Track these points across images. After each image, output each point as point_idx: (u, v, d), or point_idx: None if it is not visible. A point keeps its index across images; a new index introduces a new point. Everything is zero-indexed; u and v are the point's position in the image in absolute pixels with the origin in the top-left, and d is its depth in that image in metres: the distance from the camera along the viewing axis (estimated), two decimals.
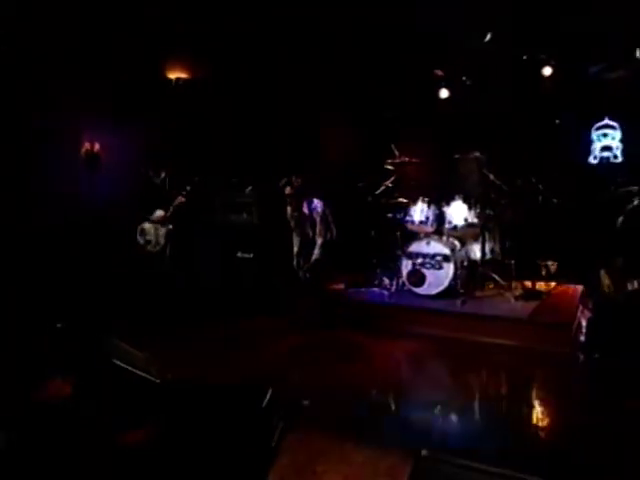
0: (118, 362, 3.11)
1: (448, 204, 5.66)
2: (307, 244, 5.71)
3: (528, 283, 5.61)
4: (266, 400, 2.98)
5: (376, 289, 5.92)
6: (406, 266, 5.59)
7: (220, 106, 7.43)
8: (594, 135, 6.56)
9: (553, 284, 6.02)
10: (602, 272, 4.06)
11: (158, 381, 3.23)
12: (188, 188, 5.97)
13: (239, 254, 6.35)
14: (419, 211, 5.70)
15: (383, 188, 5.87)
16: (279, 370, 4.10)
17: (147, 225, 5.95)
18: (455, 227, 5.58)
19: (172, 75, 7.59)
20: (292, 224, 5.80)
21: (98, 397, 3.05)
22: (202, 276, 6.21)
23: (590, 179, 6.42)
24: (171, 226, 5.97)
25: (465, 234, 5.71)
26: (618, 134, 6.44)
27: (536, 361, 4.42)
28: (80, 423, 2.90)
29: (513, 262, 5.71)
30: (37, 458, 2.66)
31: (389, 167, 6.04)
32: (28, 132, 5.46)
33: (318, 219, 5.59)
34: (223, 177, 6.62)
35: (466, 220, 5.54)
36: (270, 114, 7.41)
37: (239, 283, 6.11)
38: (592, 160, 6.54)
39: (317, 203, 5.64)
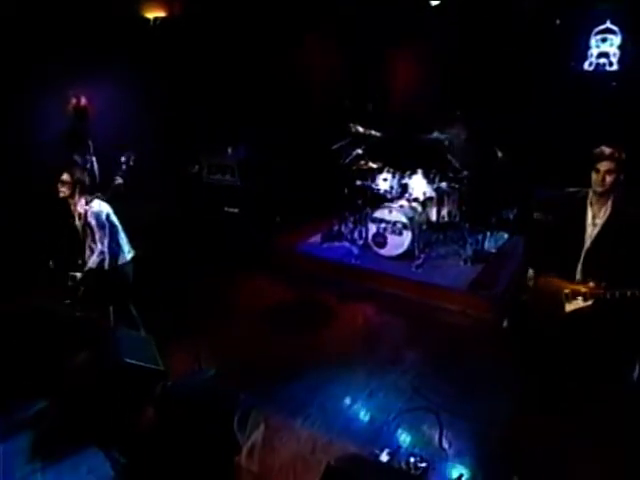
0: (129, 360, 4.05)
1: (410, 177, 6.21)
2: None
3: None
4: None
5: (346, 243, 6.76)
6: (371, 229, 6.34)
7: (201, 49, 7.36)
8: (592, 40, 6.29)
9: (505, 236, 6.78)
10: (530, 272, 2.45)
11: (162, 369, 4.21)
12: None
13: (226, 208, 7.07)
14: (384, 180, 6.29)
15: (354, 155, 6.33)
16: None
17: None
18: (416, 199, 6.20)
19: (149, 14, 7.46)
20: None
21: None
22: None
23: (582, 87, 6.35)
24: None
25: (425, 202, 6.34)
26: (618, 40, 6.16)
27: (469, 324, 5.39)
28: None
29: (467, 225, 6.43)
30: None
31: (359, 129, 6.42)
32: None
33: (95, 226, 4.17)
34: (207, 135, 6.99)
35: (425, 194, 6.14)
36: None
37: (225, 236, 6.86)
38: (587, 67, 6.37)
39: (100, 207, 4.20)
